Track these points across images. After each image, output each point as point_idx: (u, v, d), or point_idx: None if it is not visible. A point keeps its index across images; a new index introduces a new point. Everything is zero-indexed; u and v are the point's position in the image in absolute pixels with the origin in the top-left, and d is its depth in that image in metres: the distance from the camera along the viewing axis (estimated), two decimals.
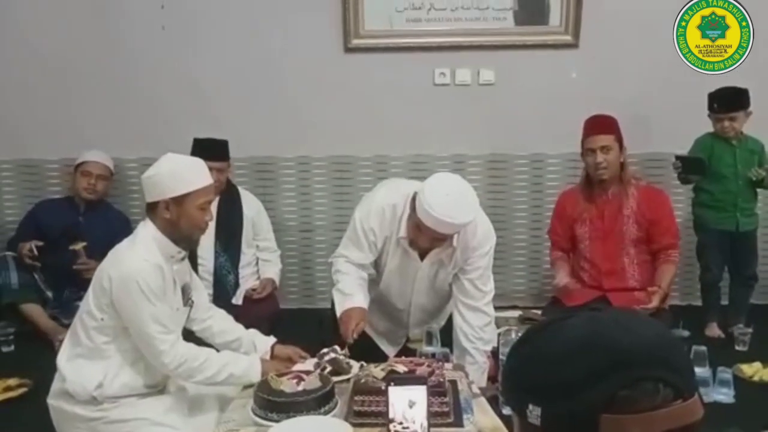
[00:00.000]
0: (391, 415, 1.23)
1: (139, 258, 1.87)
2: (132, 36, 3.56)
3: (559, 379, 0.72)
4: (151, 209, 1.95)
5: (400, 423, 1.21)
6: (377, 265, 2.48)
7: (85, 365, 1.92)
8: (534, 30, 3.52)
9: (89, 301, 1.92)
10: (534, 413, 0.73)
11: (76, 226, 3.36)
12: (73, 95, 3.63)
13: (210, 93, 3.59)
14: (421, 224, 2.17)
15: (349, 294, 2.33)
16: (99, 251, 3.08)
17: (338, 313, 2.32)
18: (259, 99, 3.62)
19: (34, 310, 3.22)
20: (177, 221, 1.92)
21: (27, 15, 3.57)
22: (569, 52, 3.53)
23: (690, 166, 3.19)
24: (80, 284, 3.21)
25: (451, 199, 2.12)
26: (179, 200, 1.91)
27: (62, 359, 1.95)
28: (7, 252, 3.35)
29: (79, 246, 3.14)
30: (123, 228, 3.38)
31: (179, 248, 1.97)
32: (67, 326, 3.09)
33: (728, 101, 3.10)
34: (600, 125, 2.96)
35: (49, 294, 3.34)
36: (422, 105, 3.59)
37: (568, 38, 3.51)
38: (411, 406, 1.21)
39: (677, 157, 3.23)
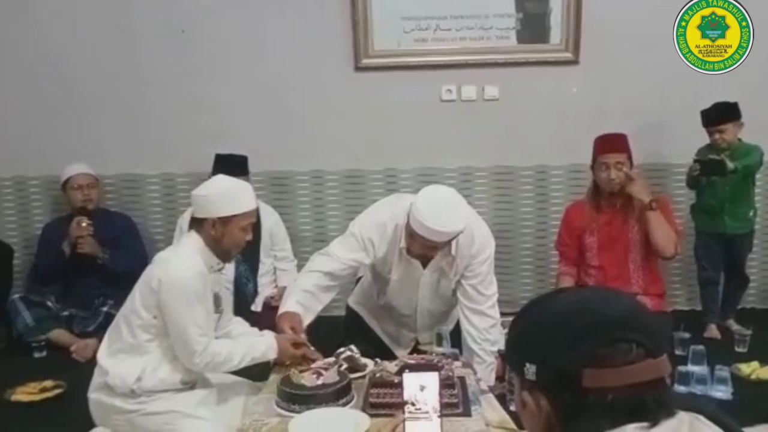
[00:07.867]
0: (405, 398, 1.37)
1: (187, 265, 2.02)
2: (153, 59, 3.73)
3: (551, 340, 0.87)
4: (198, 223, 2.10)
5: (414, 405, 1.35)
6: (382, 275, 2.59)
7: (125, 360, 2.05)
8: (536, 48, 3.65)
9: (135, 301, 2.06)
10: (530, 370, 0.88)
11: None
12: (99, 115, 3.80)
13: (228, 112, 3.74)
14: (413, 232, 2.27)
15: (285, 301, 2.42)
16: (113, 252, 3.46)
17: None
18: (275, 117, 3.76)
19: (56, 336, 3.36)
20: (220, 238, 2.07)
21: (55, 40, 3.73)
22: (570, 68, 3.66)
23: (709, 169, 3.25)
24: (108, 293, 3.41)
25: (441, 210, 2.22)
26: (225, 220, 2.06)
27: (102, 355, 2.09)
28: (14, 296, 3.47)
29: (84, 222, 3.39)
30: (127, 226, 3.65)
31: (218, 260, 2.13)
32: (87, 335, 3.30)
33: (716, 115, 3.22)
34: (615, 143, 3.08)
35: (72, 311, 3.45)
36: (430, 120, 3.72)
37: (568, 55, 3.64)
38: (423, 390, 1.35)
39: (696, 161, 3.30)
